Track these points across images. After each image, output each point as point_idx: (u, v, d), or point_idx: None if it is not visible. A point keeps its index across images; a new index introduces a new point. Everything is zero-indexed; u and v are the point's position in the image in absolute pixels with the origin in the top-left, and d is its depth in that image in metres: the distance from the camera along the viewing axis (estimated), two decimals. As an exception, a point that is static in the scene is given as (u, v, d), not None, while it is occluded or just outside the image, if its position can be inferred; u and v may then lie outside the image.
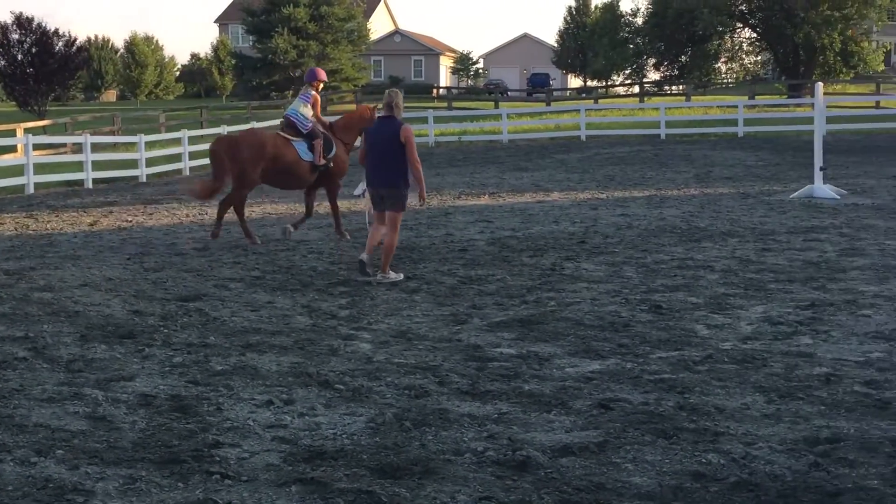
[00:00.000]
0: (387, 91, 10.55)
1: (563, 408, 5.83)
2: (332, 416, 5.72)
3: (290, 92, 58.02)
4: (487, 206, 17.17)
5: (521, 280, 10.17)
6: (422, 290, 9.75)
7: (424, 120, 36.82)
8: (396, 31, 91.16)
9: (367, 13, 76.00)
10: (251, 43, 64.00)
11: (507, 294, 9.46)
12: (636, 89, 57.45)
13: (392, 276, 10.26)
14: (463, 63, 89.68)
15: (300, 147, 12.99)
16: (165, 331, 7.91)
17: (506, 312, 8.65)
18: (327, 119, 14.38)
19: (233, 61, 68.08)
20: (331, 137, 13.21)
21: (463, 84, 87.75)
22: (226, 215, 13.24)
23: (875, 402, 5.82)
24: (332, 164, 13.24)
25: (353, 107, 49.30)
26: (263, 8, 61.74)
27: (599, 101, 50.93)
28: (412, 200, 10.53)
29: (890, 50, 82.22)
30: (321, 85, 13.45)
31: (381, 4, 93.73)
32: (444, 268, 11.02)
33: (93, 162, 24.65)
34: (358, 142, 13.02)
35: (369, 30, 70.02)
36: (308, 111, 13.14)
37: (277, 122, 34.13)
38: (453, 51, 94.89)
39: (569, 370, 6.71)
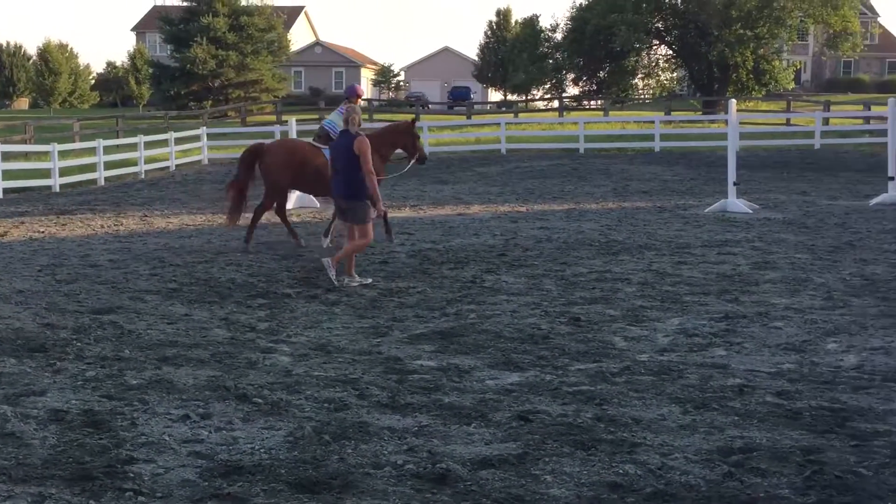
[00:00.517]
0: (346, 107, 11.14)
1: (483, 420, 5.85)
2: (250, 431, 5.64)
3: (209, 102, 57.40)
4: (408, 218, 17.18)
5: (441, 292, 10.19)
6: (342, 303, 9.70)
7: (345, 132, 36.70)
8: (317, 43, 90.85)
9: (288, 24, 75.54)
10: (169, 52, 63.15)
11: (427, 306, 9.47)
12: (556, 104, 58.04)
13: (358, 280, 10.60)
14: (384, 75, 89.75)
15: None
16: (78, 344, 7.73)
17: (426, 325, 8.65)
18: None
19: (150, 70, 67.06)
20: None
21: (384, 96, 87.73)
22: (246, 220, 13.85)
23: (786, 413, 5.95)
24: None
25: (272, 118, 48.95)
26: (182, 17, 60.97)
27: (519, 114, 51.37)
28: (371, 213, 10.81)
29: (800, 69, 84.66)
30: (359, 100, 13.90)
31: (302, 15, 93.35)
32: (364, 280, 10.98)
33: (3, 171, 24.02)
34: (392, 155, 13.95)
35: (290, 41, 69.64)
36: (338, 119, 13.42)
37: (199, 131, 33.91)
38: (375, 63, 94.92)
39: (489, 382, 6.73)
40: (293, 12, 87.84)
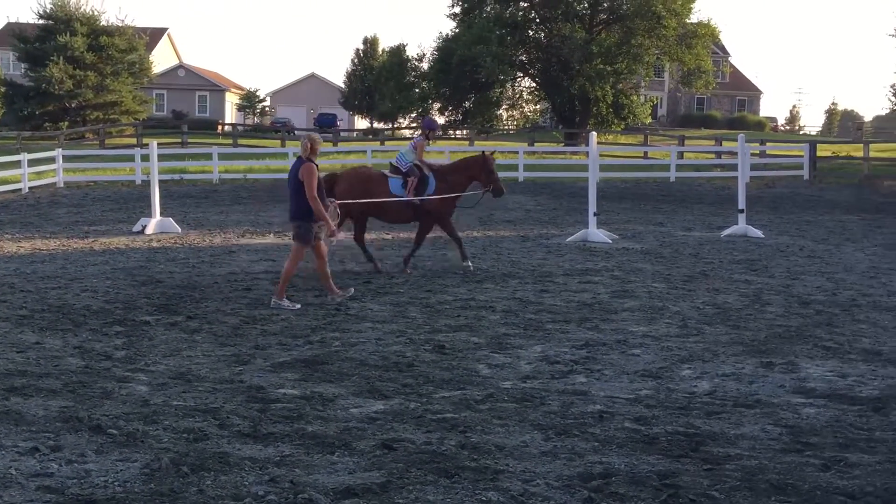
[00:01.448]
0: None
1: (347, 449, 5.79)
2: (104, 463, 5.44)
3: (65, 123, 55.58)
4: (273, 244, 16.96)
5: (306, 320, 10.08)
6: (203, 330, 9.49)
7: (209, 157, 36.03)
8: (180, 66, 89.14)
9: (150, 46, 73.88)
10: (23, 71, 60.89)
11: (291, 334, 9.35)
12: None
13: (286, 304, 10.78)
14: (249, 100, 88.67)
15: (394, 183, 13.75)
16: (-82, 374, 7.32)
17: (290, 353, 8.53)
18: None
19: (2, 89, 64.52)
20: (427, 178, 13.75)
21: (249, 121, 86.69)
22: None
23: (643, 438, 6.10)
24: (427, 203, 13.69)
25: (133, 141, 47.71)
26: (37, 35, 58.89)
27: (386, 142, 51.49)
28: (329, 240, 11.42)
29: (657, 104, 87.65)
30: (432, 133, 14.46)
31: (165, 37, 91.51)
32: (226, 307, 10.78)
33: None
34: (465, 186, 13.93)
35: (152, 62, 68.09)
36: (411, 155, 13.86)
37: (54, 153, 32.72)
38: (240, 87, 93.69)
39: (353, 411, 6.68)
40: (156, 34, 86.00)
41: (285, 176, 38.10)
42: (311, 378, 7.61)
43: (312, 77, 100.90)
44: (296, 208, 11.07)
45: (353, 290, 11.51)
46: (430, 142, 14.29)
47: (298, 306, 10.80)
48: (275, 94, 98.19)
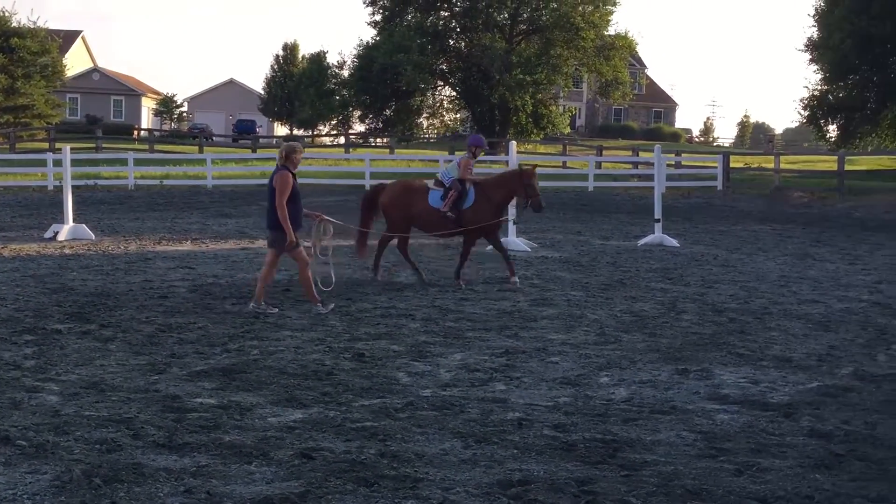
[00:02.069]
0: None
1: (265, 458, 5.72)
2: (12, 476, 5.29)
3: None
4: (190, 252, 16.71)
5: (223, 328, 9.94)
6: (117, 339, 9.29)
7: (124, 162, 35.39)
8: (95, 69, 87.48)
9: (64, 48, 72.34)
10: (-71, 72, 59.11)
11: (208, 342, 9.21)
12: (342, 140, 58.26)
13: (263, 307, 10.78)
14: (166, 105, 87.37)
15: (434, 195, 13.54)
16: None
17: (207, 361, 8.40)
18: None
19: None
20: (466, 192, 13.43)
21: (166, 127, 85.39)
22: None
23: (562, 445, 6.15)
24: (463, 216, 13.40)
25: (45, 145, 46.61)
26: (-56, 35, 57.33)
27: (306, 150, 51.16)
28: (318, 251, 11.42)
29: (575, 114, 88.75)
30: (478, 150, 13.87)
31: (79, 40, 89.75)
32: (141, 315, 10.57)
33: None
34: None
35: (65, 66, 66.68)
36: (455, 172, 13.58)
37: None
38: (157, 92, 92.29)
39: (271, 420, 6.60)
40: (69, 37, 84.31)
41: (203, 182, 37.62)
42: (229, 387, 7.51)
43: (231, 83, 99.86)
44: (270, 216, 11.06)
45: (333, 305, 11.13)
46: (476, 159, 13.82)
47: (276, 310, 10.79)
48: (193, 100, 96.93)
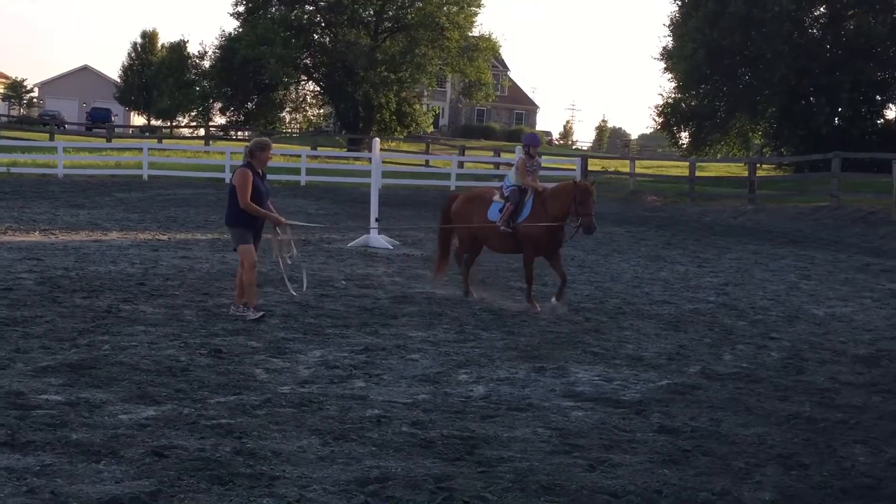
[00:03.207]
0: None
1: (114, 457, 5.54)
2: None
3: None
4: (38, 243, 16.05)
5: (72, 322, 9.58)
6: (-43, 333, 8.84)
7: (-32, 147, 33.78)
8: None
9: None
10: None
11: (56, 337, 8.86)
12: (202, 132, 57.09)
13: (243, 310, 10.27)
14: (15, 90, 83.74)
15: (494, 208, 12.32)
16: None
17: (54, 356, 8.08)
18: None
19: None
20: (524, 204, 12.08)
21: (14, 113, 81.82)
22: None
23: (420, 442, 6.17)
24: (518, 231, 12.05)
25: None
26: None
27: (164, 141, 49.98)
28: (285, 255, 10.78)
29: (439, 114, 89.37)
30: (532, 150, 12.53)
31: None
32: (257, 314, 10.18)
33: None
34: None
35: None
36: (514, 177, 12.38)
37: None
38: (5, 76, 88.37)
39: (122, 417, 6.40)
40: None
41: (54, 171, 36.41)
42: (77, 383, 7.24)
43: (86, 69, 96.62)
44: (228, 213, 10.65)
45: (263, 314, 10.33)
46: (533, 159, 12.43)
47: (262, 314, 10.26)
48: (44, 86, 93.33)
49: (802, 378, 8.63)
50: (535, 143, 12.73)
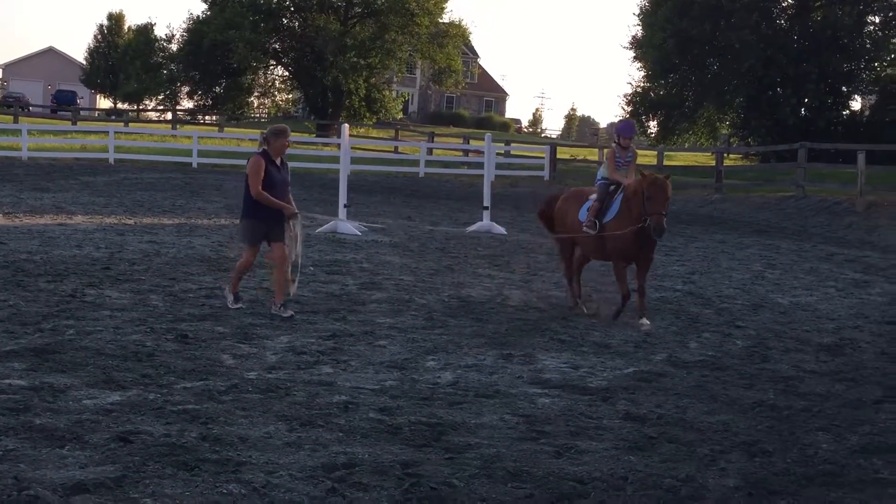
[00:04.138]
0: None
1: (79, 442, 5.50)
2: None
3: None
4: (1, 226, 15.86)
5: (36, 307, 9.48)
6: (-82, 317, 8.73)
7: (-70, 129, 33.29)
8: None
9: None
10: None
11: (20, 321, 8.76)
12: (169, 116, 56.61)
13: (230, 299, 10.02)
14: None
15: (586, 206, 10.95)
16: None
17: (17, 341, 7.99)
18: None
19: None
20: (612, 201, 10.66)
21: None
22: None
23: (387, 428, 6.17)
24: (606, 230, 10.60)
25: None
26: None
27: (130, 124, 49.53)
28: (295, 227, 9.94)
29: (408, 100, 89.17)
30: (623, 140, 11.00)
31: None
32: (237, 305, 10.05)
33: None
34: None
35: None
36: (603, 170, 11.14)
37: None
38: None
39: (86, 402, 6.34)
40: None
41: (16, 154, 35.98)
42: (41, 368, 7.17)
43: (50, 51, 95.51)
44: (242, 205, 9.94)
45: (292, 313, 9.73)
46: (625, 151, 10.96)
47: (242, 305, 9.96)
48: (8, 67, 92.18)
49: (767, 366, 8.71)
50: (627, 133, 11.22)
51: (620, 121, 11.79)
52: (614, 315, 10.60)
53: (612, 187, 10.80)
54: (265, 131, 10.05)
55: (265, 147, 9.90)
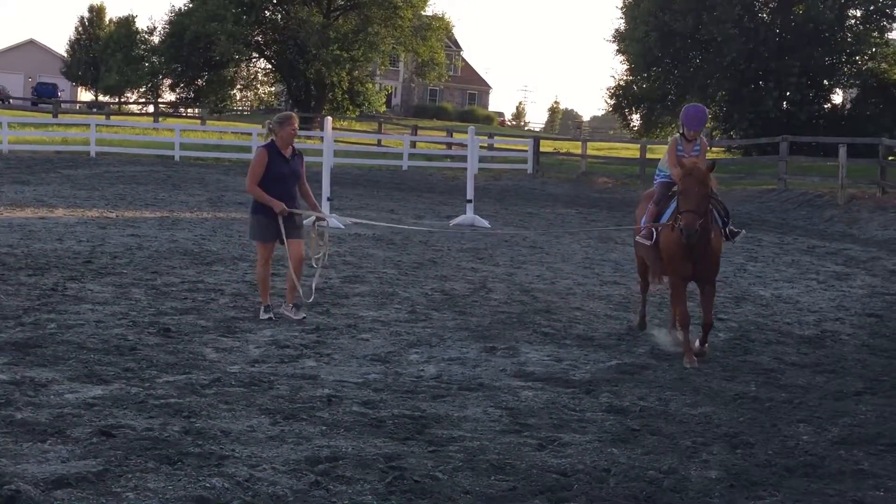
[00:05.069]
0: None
1: (61, 436, 5.47)
2: None
3: None
4: (-18, 219, 15.76)
5: (17, 300, 9.42)
6: None
7: None
8: None
9: None
10: None
11: (0, 315, 8.71)
12: (151, 109, 56.32)
13: (292, 310, 9.38)
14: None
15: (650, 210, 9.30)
16: None
17: (-2, 335, 7.95)
18: None
19: None
20: (670, 202, 8.88)
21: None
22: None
23: (371, 421, 6.17)
24: (660, 238, 8.96)
25: None
26: None
27: (112, 117, 49.25)
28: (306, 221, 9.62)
29: (391, 93, 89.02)
30: (690, 131, 9.10)
31: None
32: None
33: None
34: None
35: None
36: (662, 163, 9.48)
37: None
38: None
39: (68, 396, 6.32)
40: None
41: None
42: (22, 362, 7.13)
43: (31, 43, 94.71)
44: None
45: (305, 316, 9.35)
46: (690, 143, 9.14)
47: (272, 315, 9.31)
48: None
49: (749, 358, 8.75)
50: (694, 124, 9.11)
51: (688, 105, 9.44)
52: (683, 344, 8.59)
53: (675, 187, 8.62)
54: (270, 121, 9.56)
55: (272, 138, 9.43)
